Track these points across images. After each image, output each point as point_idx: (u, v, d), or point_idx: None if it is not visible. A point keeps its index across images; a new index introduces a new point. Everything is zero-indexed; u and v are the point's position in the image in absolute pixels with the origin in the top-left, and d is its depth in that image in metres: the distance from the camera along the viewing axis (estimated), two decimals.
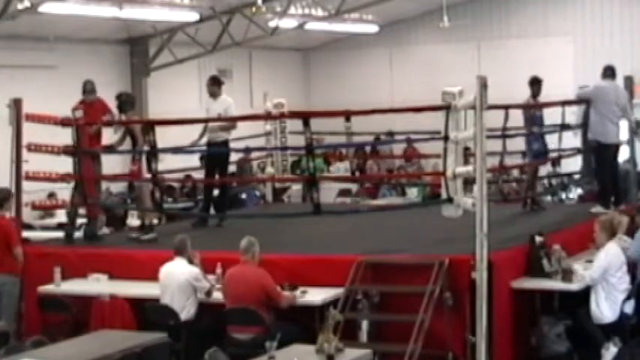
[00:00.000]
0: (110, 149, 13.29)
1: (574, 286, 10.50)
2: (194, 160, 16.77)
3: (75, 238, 13.02)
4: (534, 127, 13.79)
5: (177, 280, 10.47)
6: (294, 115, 14.65)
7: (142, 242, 12.63)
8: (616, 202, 13.30)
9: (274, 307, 10.20)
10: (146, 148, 12.59)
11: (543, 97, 14.24)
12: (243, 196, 18.45)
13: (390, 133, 19.42)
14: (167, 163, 14.88)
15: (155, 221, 13.75)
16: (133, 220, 15.87)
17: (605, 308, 10.35)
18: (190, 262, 10.66)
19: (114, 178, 15.27)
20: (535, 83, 13.91)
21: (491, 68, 19.59)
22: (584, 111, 14.23)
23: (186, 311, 10.43)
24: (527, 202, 14.07)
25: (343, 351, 8.25)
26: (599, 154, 13.78)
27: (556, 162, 15.27)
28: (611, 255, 10.49)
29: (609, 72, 13.92)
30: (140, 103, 21.43)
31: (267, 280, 10.17)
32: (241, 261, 10.35)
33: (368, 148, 23.20)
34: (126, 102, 13.07)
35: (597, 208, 13.14)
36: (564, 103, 14.37)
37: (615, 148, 13.82)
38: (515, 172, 17.04)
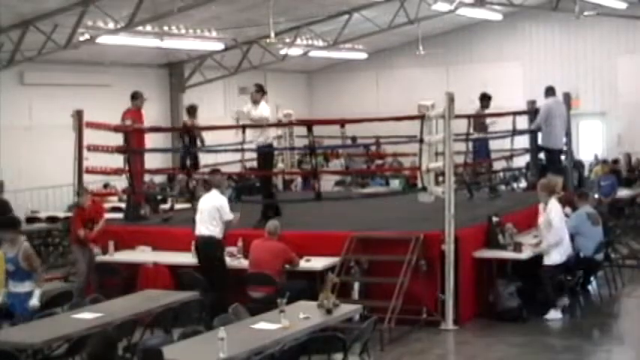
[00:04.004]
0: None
1: (523, 255, 10.52)
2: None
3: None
4: (481, 133, 13.77)
5: (209, 206, 10.56)
6: (300, 122, 14.61)
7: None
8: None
9: (287, 271, 10.24)
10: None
11: (497, 109, 14.21)
12: None
13: (377, 138, 19.32)
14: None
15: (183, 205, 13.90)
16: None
17: (555, 253, 10.42)
18: (222, 193, 10.82)
19: (156, 172, 15.28)
20: (485, 98, 13.86)
21: (458, 86, 19.51)
22: (531, 121, 14.28)
23: (212, 228, 10.47)
24: (470, 189, 13.98)
25: (339, 306, 8.20)
26: (549, 156, 13.83)
27: (509, 159, 15.20)
28: (555, 210, 10.55)
29: (551, 92, 13.90)
30: (177, 113, 21.45)
31: (288, 251, 10.32)
32: (265, 237, 10.42)
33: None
34: (192, 110, 13.66)
35: None
36: (515, 114, 14.38)
37: (559, 151, 13.87)
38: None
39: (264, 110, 11.92)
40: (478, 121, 13.67)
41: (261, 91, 12.08)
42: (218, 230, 10.50)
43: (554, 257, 10.41)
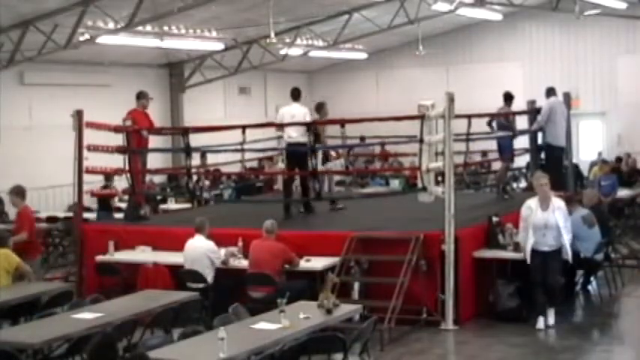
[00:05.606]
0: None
1: (522, 255, 10.48)
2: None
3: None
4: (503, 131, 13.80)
5: (197, 253, 10.44)
6: (299, 122, 14.50)
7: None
8: (559, 187, 13.22)
9: (287, 271, 10.20)
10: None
11: (495, 109, 14.17)
12: None
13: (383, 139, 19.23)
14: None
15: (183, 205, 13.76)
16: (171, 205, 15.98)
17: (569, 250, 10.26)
18: (208, 237, 10.59)
19: (156, 172, 15.23)
20: (508, 97, 13.82)
21: (458, 86, 19.53)
22: (532, 121, 14.27)
23: (205, 277, 10.38)
24: (505, 189, 14.04)
25: (339, 306, 8.18)
26: (551, 152, 13.83)
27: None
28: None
29: (552, 92, 13.93)
30: (177, 114, 21.50)
31: (287, 251, 10.27)
32: (264, 237, 10.35)
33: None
34: (319, 108, 13.36)
35: None
36: (515, 113, 14.33)
37: (561, 149, 13.88)
38: None
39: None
40: (502, 118, 13.71)
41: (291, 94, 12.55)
42: (212, 276, 10.41)
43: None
